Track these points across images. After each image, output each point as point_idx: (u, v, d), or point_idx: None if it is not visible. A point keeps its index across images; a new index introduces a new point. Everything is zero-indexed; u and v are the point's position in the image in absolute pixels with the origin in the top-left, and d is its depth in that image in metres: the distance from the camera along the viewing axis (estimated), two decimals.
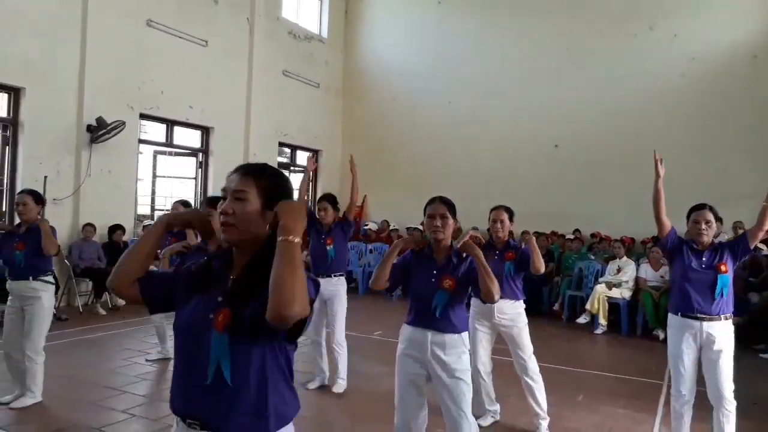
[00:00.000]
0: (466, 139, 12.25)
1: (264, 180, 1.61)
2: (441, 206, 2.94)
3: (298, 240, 1.42)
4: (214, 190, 10.73)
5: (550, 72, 11.64)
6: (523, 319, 4.11)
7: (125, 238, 8.59)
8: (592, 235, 10.47)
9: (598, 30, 11.24)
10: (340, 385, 4.91)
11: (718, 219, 3.55)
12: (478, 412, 3.98)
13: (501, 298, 3.70)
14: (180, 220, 1.76)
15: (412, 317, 2.99)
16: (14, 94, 7.63)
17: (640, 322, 7.91)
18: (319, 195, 13.55)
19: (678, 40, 10.79)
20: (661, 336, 7.59)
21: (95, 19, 8.34)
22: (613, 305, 8.03)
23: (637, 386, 5.50)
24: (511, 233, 4.23)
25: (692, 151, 10.28)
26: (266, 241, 1.56)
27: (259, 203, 1.57)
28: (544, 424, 4.04)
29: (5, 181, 7.68)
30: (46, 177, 7.46)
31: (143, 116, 9.36)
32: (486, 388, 4.17)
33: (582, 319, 8.07)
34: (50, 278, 4.32)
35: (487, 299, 2.82)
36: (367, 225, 12.28)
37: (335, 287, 4.89)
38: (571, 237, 10.14)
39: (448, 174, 12.08)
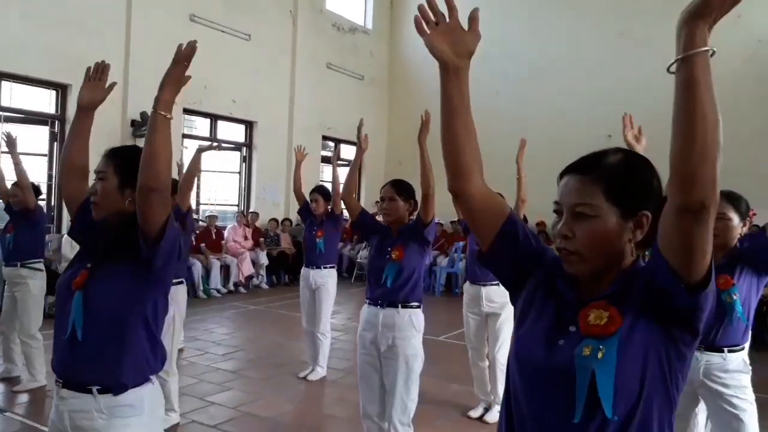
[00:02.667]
0: (514, 130, 11.79)
1: (119, 158, 1.77)
2: (389, 189, 3.13)
3: (169, 116, 1.58)
4: (257, 184, 10.75)
5: (601, 59, 11.10)
6: (510, 308, 3.80)
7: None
8: None
9: (651, 14, 10.63)
10: (318, 373, 5.00)
11: (742, 213, 2.36)
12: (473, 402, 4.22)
13: (489, 283, 3.93)
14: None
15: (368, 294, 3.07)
16: (61, 90, 7.79)
17: None
18: (363, 191, 13.59)
19: (744, 21, 10.07)
20: None
21: (139, 15, 8.44)
22: None
23: None
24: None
25: (760, 137, 9.61)
26: (129, 216, 1.68)
27: (116, 181, 1.73)
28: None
29: (54, 176, 7.86)
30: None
31: (187, 111, 9.43)
32: (482, 378, 4.14)
33: None
34: (40, 265, 4.47)
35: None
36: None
37: (324, 278, 4.97)
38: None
39: (496, 166, 11.67)
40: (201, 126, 10.25)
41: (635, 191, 1.09)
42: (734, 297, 2.29)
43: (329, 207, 5.10)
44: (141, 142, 7.17)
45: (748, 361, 2.42)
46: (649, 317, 1.04)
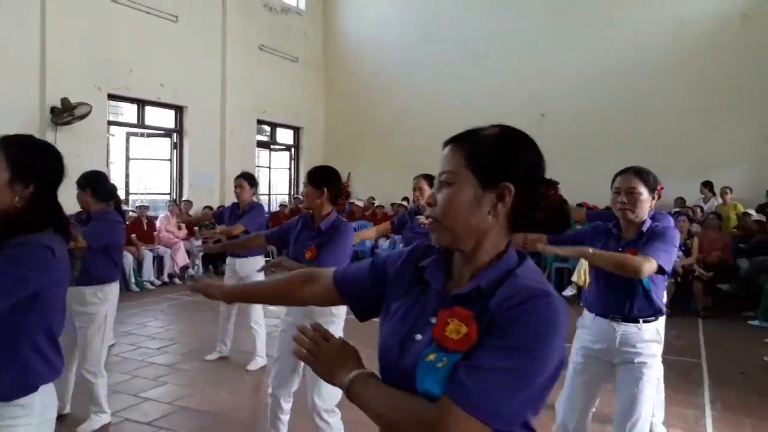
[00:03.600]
0: (450, 110, 11.90)
1: (14, 149, 1.59)
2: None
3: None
4: (189, 171, 10.43)
5: (536, 38, 11.31)
6: None
7: None
8: (578, 205, 10.24)
9: None
10: (257, 362, 4.98)
11: (651, 187, 2.50)
12: None
13: None
14: None
15: None
16: None
17: None
18: (302, 174, 13.39)
19: (668, 3, 10.47)
20: None
21: None
22: None
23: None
24: None
25: (684, 115, 10.07)
26: (15, 216, 1.56)
27: (6, 175, 1.56)
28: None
29: None
30: None
31: (112, 96, 9.00)
32: None
33: (568, 291, 7.88)
34: None
35: None
36: (352, 202, 12.00)
37: (251, 267, 4.85)
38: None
39: (433, 148, 11.69)
40: (128, 112, 9.82)
41: (497, 162, 1.07)
42: None
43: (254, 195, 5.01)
44: (61, 131, 6.82)
45: (662, 331, 2.55)
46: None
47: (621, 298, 2.47)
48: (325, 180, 2.98)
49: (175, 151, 10.39)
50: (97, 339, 3.54)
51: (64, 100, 7.86)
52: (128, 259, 8.20)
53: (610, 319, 2.50)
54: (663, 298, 2.55)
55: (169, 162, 10.40)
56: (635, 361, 2.46)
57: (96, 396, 3.60)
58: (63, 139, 8.01)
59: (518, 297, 0.99)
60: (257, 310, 5.00)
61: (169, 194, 10.42)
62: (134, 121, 9.75)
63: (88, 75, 8.44)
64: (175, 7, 9.77)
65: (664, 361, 5.14)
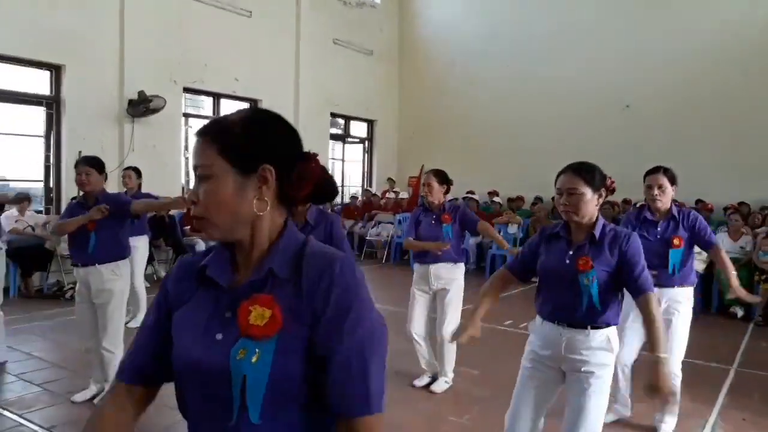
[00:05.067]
0: (528, 103, 11.44)
1: None
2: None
3: None
4: None
5: (620, 27, 10.61)
6: (459, 286, 4.08)
7: (172, 212, 8.59)
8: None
9: None
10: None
11: (595, 185, 2.36)
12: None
13: (438, 261, 3.98)
14: None
15: None
16: (55, 71, 7.71)
17: (716, 298, 7.04)
18: (375, 168, 13.36)
19: None
20: (740, 313, 6.74)
21: None
22: None
23: (700, 371, 4.79)
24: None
25: None
26: None
27: None
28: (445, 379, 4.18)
29: (51, 157, 7.83)
30: (80, 152, 7.52)
31: (187, 90, 9.31)
32: (421, 352, 4.22)
33: None
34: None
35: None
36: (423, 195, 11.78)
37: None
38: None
39: (510, 141, 11.39)
40: (207, 105, 10.13)
41: (250, 145, 1.03)
42: (591, 280, 2.24)
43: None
44: (138, 122, 7.04)
45: (614, 340, 2.32)
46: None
47: (568, 302, 2.29)
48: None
49: None
50: (117, 314, 3.66)
51: (141, 93, 8.19)
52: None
53: (556, 323, 2.32)
54: (618, 310, 2.34)
55: None
56: (582, 369, 2.26)
57: (115, 368, 3.66)
58: (140, 130, 8.37)
59: (328, 269, 1.00)
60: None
61: None
62: (210, 113, 10.05)
63: (165, 69, 8.76)
64: (249, 3, 9.96)
65: (751, 376, 4.65)
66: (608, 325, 2.30)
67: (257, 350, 0.95)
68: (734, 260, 6.97)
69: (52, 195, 7.91)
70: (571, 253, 2.30)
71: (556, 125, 10.96)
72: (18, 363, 4.50)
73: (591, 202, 2.26)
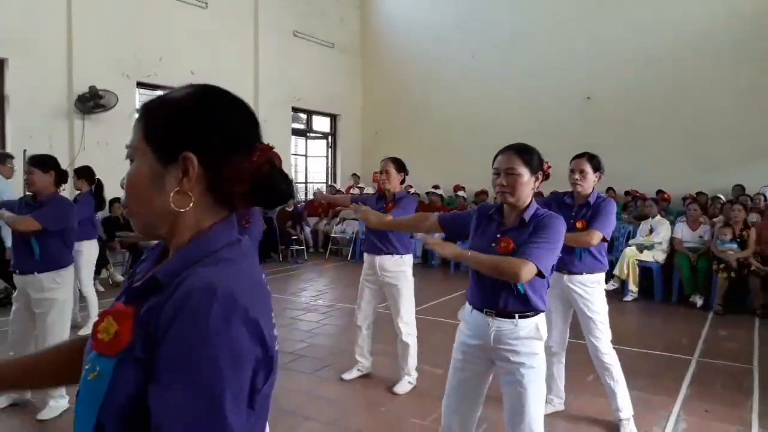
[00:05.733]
0: (490, 95, 11.43)
1: None
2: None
3: None
4: None
5: (580, 19, 10.66)
6: (406, 278, 4.04)
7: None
8: (626, 193, 9.59)
9: None
10: None
11: (533, 167, 2.29)
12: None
13: (383, 253, 3.96)
14: None
15: None
16: None
17: (676, 288, 7.13)
18: (339, 163, 13.19)
19: None
20: (699, 303, 6.83)
21: None
22: (646, 270, 7.25)
23: (662, 362, 4.82)
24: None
25: (743, 95, 9.26)
26: None
27: None
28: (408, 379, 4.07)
29: None
30: (25, 151, 7.17)
31: (141, 84, 8.98)
32: (359, 342, 4.26)
33: (610, 286, 7.30)
34: None
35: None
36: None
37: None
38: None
39: (473, 133, 11.34)
40: None
41: (174, 128, 0.87)
42: None
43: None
44: (89, 119, 6.75)
45: (542, 328, 2.27)
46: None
47: (494, 291, 2.22)
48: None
49: None
50: (58, 325, 3.45)
51: (91, 88, 7.85)
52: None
53: (485, 313, 2.26)
54: (544, 295, 2.27)
55: None
56: (512, 360, 2.21)
57: None
58: (92, 127, 8.04)
59: (180, 293, 0.78)
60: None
61: None
62: None
63: (117, 63, 8.43)
64: None
65: (711, 366, 4.69)
66: (536, 312, 2.23)
67: (97, 368, 0.80)
68: (693, 249, 7.10)
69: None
70: (498, 236, 2.23)
71: (520, 117, 10.96)
72: None
73: (527, 185, 2.20)
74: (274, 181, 0.91)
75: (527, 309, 2.21)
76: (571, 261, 3.30)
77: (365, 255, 4.18)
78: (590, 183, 3.34)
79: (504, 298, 2.20)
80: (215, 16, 9.85)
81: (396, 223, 2.87)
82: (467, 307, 2.37)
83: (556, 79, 10.79)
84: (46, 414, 3.48)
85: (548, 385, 3.32)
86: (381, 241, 3.97)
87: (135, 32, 8.61)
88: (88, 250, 5.45)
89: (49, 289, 3.41)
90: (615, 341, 3.49)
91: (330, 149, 13.19)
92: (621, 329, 6.21)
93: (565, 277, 3.35)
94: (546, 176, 2.28)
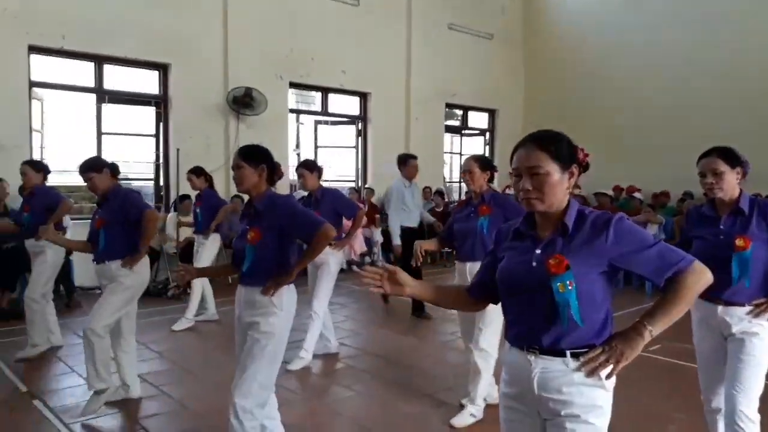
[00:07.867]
0: (674, 85, 9.88)
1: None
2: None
3: None
4: (373, 159, 10.21)
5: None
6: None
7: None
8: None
9: None
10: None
11: (563, 161, 1.60)
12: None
13: (471, 260, 3.44)
14: None
15: None
16: (162, 70, 7.88)
17: None
18: (497, 161, 12.40)
19: None
20: None
21: None
22: None
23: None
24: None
25: None
26: None
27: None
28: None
29: (160, 155, 8.02)
30: (178, 150, 7.61)
31: (293, 85, 9.16)
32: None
33: None
34: None
35: None
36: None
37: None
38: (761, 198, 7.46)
39: (652, 130, 9.94)
40: (317, 101, 9.96)
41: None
42: (568, 286, 1.52)
43: None
44: (244, 119, 7.00)
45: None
46: None
47: (538, 319, 1.58)
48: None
49: (359, 138, 10.29)
50: (113, 298, 3.48)
51: (246, 89, 8.14)
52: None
53: (525, 350, 1.61)
54: (608, 326, 1.60)
55: (354, 149, 10.35)
56: (562, 413, 1.55)
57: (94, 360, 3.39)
58: (246, 127, 8.34)
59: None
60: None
61: (355, 181, 10.38)
62: (318, 108, 9.85)
63: (271, 64, 8.67)
64: None
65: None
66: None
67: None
68: None
69: (161, 193, 8.11)
70: (538, 252, 1.60)
71: (721, 112, 9.26)
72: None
73: (560, 184, 1.58)
74: None
75: (583, 345, 1.55)
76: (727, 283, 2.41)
77: (458, 263, 3.78)
78: (731, 183, 2.47)
79: (550, 331, 1.55)
80: (366, 13, 9.77)
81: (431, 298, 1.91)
82: (505, 345, 1.71)
83: (752, 62, 9.00)
84: None
85: None
86: (473, 245, 3.56)
87: (287, 34, 8.80)
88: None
89: (118, 275, 3.58)
90: None
91: (487, 146, 12.49)
92: None
93: (720, 308, 2.47)
94: (584, 167, 1.63)
